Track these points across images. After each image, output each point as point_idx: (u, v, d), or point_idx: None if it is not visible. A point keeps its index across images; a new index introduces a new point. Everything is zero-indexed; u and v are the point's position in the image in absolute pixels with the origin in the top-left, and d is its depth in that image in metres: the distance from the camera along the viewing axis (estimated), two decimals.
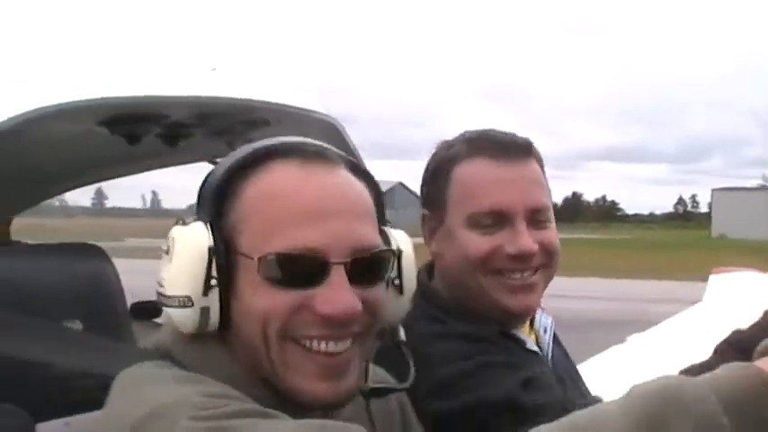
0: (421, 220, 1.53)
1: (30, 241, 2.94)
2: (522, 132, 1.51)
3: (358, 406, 1.11)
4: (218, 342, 1.00)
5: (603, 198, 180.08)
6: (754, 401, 0.77)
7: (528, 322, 1.54)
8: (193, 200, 1.06)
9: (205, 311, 0.96)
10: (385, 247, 1.04)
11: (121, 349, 1.84)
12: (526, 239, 1.41)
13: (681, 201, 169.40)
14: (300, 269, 0.95)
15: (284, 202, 0.97)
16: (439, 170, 1.49)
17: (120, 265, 2.29)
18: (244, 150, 1.03)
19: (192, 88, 2.11)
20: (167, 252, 1.00)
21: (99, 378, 1.21)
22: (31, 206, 3.22)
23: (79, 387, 1.75)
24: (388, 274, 1.05)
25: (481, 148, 1.46)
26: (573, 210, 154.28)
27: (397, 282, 1.10)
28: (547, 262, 1.46)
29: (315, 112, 2.26)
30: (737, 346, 1.68)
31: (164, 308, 1.00)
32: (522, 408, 1.28)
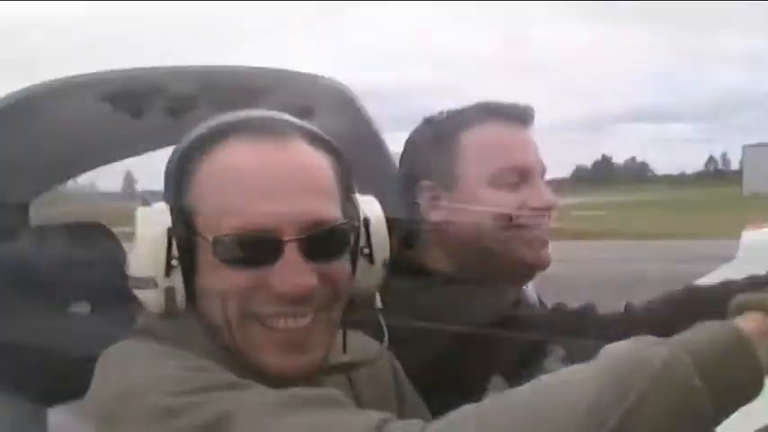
0: (417, 192, 1.54)
1: None
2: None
3: (338, 378, 1.10)
4: (196, 318, 0.99)
5: (633, 159, 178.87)
6: (731, 362, 0.71)
7: None
8: None
9: (170, 291, 0.96)
10: (344, 220, 1.01)
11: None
12: (549, 193, 1.53)
13: (711, 159, 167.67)
14: (254, 249, 0.94)
15: (235, 181, 0.96)
16: (443, 138, 1.54)
17: None
18: (202, 127, 1.02)
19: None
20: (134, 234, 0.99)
21: None
22: (46, 191, 3.21)
23: (90, 370, 1.73)
24: (349, 246, 1.03)
25: (493, 113, 1.56)
26: (603, 173, 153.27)
27: (366, 251, 1.06)
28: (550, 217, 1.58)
29: (321, 77, 2.20)
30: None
31: (132, 289, 1.00)
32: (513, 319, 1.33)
